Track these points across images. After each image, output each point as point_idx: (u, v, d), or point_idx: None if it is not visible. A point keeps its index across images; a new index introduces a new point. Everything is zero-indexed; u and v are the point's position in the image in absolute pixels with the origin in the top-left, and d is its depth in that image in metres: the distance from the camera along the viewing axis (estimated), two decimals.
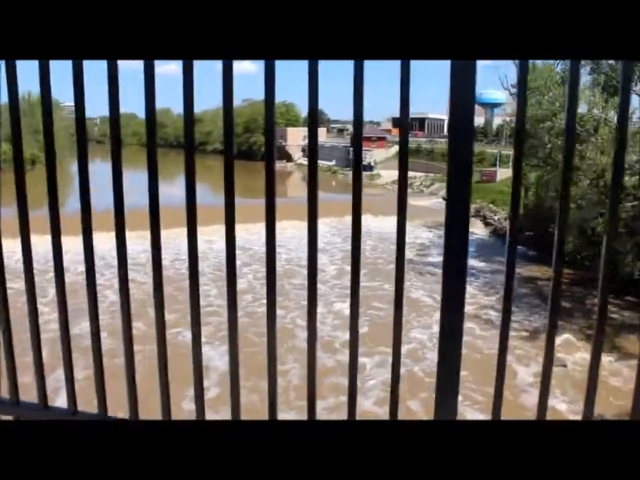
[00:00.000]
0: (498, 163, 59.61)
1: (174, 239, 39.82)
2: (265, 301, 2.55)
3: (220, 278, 29.81)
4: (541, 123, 27.76)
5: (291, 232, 40.10)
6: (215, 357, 19.58)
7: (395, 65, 1.31)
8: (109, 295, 25.56)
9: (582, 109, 27.18)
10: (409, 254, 33.57)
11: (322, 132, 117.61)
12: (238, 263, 2.72)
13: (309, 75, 1.20)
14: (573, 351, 20.34)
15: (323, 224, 42.54)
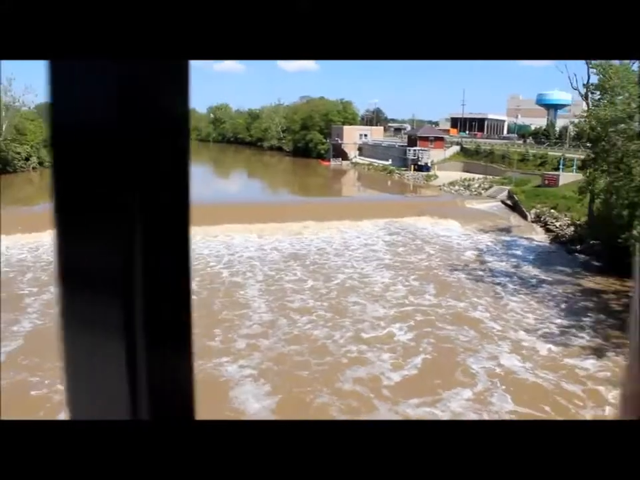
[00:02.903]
0: (561, 166, 57.87)
1: (227, 235, 39.45)
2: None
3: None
4: (614, 125, 26.48)
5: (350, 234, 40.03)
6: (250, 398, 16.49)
7: (453, 65, 1.24)
8: None
9: None
10: (465, 259, 32.31)
11: (379, 131, 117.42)
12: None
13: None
14: None
15: (373, 225, 42.24)
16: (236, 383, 16.93)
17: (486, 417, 15.51)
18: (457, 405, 16.14)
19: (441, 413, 15.56)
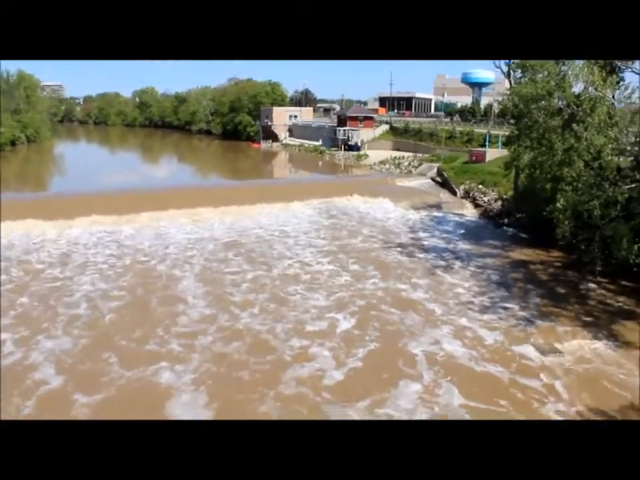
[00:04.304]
0: (487, 143, 59.40)
1: (164, 224, 38.12)
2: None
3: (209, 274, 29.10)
4: (535, 102, 27.04)
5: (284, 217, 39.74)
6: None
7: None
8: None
9: (578, 87, 26.66)
10: (401, 239, 32.21)
11: (309, 111, 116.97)
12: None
13: None
14: (569, 339, 19.57)
15: (307, 206, 42.10)
16: (174, 392, 15.79)
17: (437, 410, 14.94)
18: (407, 401, 15.39)
19: (393, 413, 14.77)
